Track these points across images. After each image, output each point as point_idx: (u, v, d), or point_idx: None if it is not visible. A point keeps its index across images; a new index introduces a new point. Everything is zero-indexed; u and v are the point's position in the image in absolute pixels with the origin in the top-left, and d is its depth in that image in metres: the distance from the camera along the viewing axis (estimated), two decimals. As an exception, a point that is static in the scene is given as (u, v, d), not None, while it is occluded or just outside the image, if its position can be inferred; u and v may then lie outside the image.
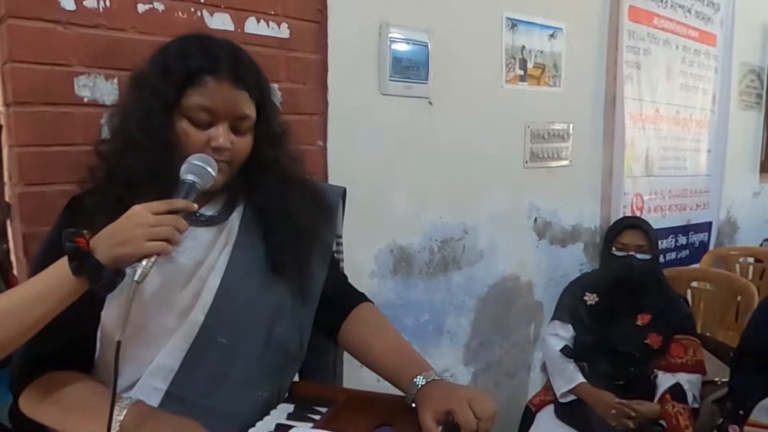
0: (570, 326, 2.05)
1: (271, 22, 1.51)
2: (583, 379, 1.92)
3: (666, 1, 2.75)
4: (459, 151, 2.00)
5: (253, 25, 1.49)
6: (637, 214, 2.79)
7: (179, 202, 0.75)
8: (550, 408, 1.97)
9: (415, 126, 1.87)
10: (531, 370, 2.43)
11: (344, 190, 1.13)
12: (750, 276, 3.00)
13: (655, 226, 2.89)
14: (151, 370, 0.83)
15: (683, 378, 1.88)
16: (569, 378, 1.94)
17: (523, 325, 2.38)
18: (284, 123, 0.98)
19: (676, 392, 1.84)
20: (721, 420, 1.81)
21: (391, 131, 1.81)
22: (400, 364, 0.94)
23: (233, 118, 0.85)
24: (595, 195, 2.59)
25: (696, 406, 1.88)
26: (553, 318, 2.12)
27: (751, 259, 3.11)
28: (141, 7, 1.29)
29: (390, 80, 1.76)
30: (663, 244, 3.02)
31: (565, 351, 2.00)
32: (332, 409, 0.92)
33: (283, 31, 1.53)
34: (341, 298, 1.04)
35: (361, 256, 1.78)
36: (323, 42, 1.61)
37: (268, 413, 0.89)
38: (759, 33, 3.57)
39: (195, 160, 0.80)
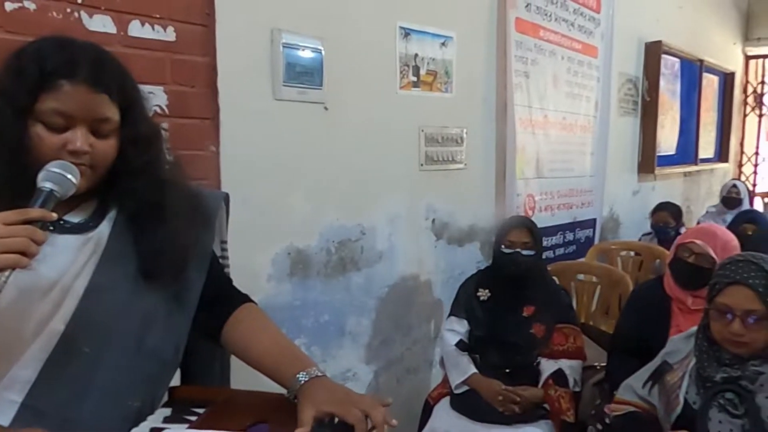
0: (465, 321, 2.16)
1: (156, 25, 1.49)
2: (475, 370, 2.03)
3: (550, 15, 2.95)
4: (355, 154, 2.06)
5: (137, 28, 1.46)
6: (530, 213, 2.97)
7: (34, 212, 0.73)
8: (447, 400, 2.06)
9: (311, 130, 1.90)
10: (432, 365, 2.52)
11: (226, 195, 1.14)
12: (630, 268, 3.28)
13: (545, 224, 3.13)
14: (6, 382, 0.80)
15: (565, 364, 2.03)
16: (463, 370, 2.04)
17: (424, 322, 2.47)
18: (155, 126, 0.98)
19: (559, 377, 1.99)
20: (599, 401, 1.97)
21: (286, 136, 1.83)
22: (283, 361, 0.96)
23: (92, 121, 0.83)
24: (489, 196, 2.73)
25: (577, 389, 2.03)
26: (450, 314, 2.22)
27: (631, 253, 3.39)
28: (9, 5, 1.23)
29: (284, 86, 1.78)
30: (552, 240, 3.24)
31: (460, 345, 2.10)
32: (210, 409, 0.93)
33: (169, 34, 1.51)
34: (223, 301, 1.05)
35: (257, 260, 1.79)
36: (212, 45, 1.60)
37: (141, 422, 0.88)
38: (635, 46, 3.92)
39: (53, 167, 0.78)
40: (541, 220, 3.09)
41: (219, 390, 1.08)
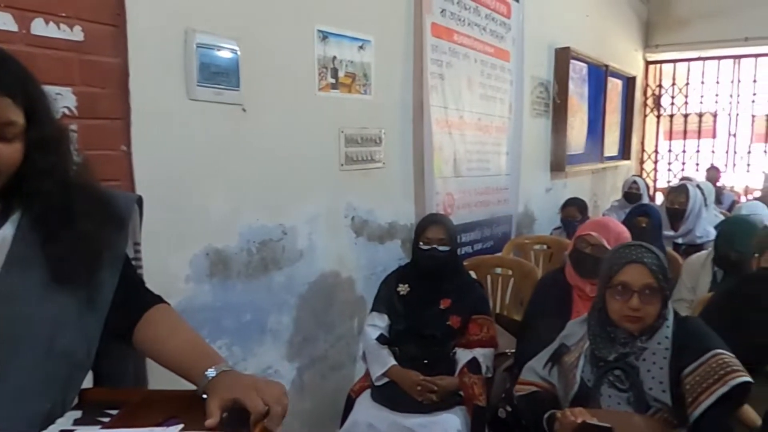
0: (385, 316, 2.23)
1: (62, 24, 1.46)
2: (394, 363, 2.11)
3: (464, 20, 3.09)
4: (275, 155, 2.08)
5: (41, 27, 1.42)
6: (448, 211, 3.09)
7: None
8: (368, 392, 2.13)
9: (229, 131, 1.91)
10: (356, 361, 2.57)
11: (139, 198, 1.14)
12: (541, 260, 3.48)
13: (463, 221, 3.26)
14: None
15: (479, 352, 2.15)
16: (383, 363, 2.12)
17: (347, 319, 2.52)
18: (62, 127, 0.97)
19: (473, 365, 2.10)
20: (509, 385, 2.10)
21: (202, 136, 1.83)
22: (193, 359, 0.98)
23: None
24: (408, 195, 2.82)
25: (489, 375, 2.16)
26: (371, 310, 2.29)
27: (544, 246, 3.60)
28: None
29: (198, 86, 1.78)
30: (471, 236, 3.38)
31: (380, 339, 2.18)
32: (122, 410, 0.94)
33: (77, 34, 1.48)
34: (134, 302, 1.05)
35: (174, 262, 1.78)
36: (122, 46, 1.58)
37: (50, 425, 0.88)
38: (545, 51, 4.15)
39: None
40: (460, 217, 3.22)
41: (132, 390, 1.08)
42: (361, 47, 2.42)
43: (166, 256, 1.73)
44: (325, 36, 2.24)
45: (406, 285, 2.26)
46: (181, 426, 0.89)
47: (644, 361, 1.49)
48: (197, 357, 0.99)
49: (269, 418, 0.88)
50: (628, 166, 6.18)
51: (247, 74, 1.92)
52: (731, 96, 6.25)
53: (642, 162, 6.80)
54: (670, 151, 6.75)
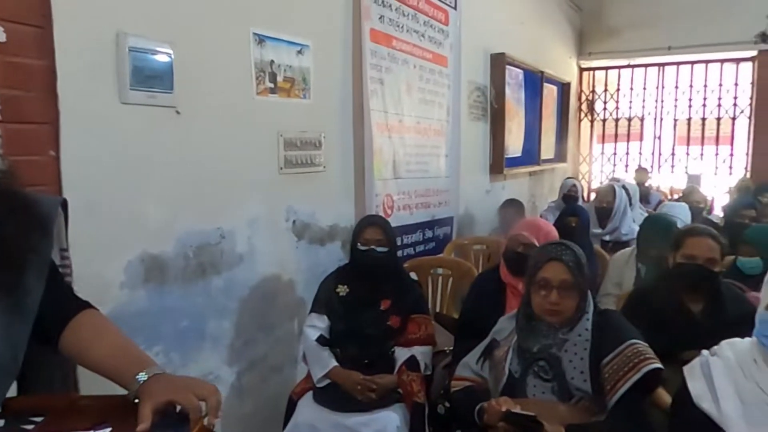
0: (325, 317, 2.26)
1: (-18, 25, 1.42)
2: (335, 364, 2.14)
3: (402, 27, 3.16)
4: (212, 159, 2.07)
5: (-41, 27, 1.38)
6: (389, 212, 3.15)
7: None
8: (310, 394, 2.15)
9: (163, 135, 1.89)
10: (298, 363, 2.59)
11: (64, 201, 1.13)
12: (481, 260, 3.60)
13: (404, 223, 3.33)
14: None
15: (417, 350, 2.20)
16: (324, 364, 2.14)
17: (287, 321, 2.53)
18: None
19: (411, 363, 2.16)
20: (447, 382, 2.17)
21: (135, 140, 1.80)
22: (123, 364, 0.98)
23: None
24: (349, 197, 2.86)
25: (428, 372, 2.22)
26: (311, 311, 2.31)
27: (483, 246, 3.71)
28: None
29: (131, 90, 1.76)
30: (412, 237, 3.45)
31: (320, 340, 2.20)
32: (49, 416, 0.93)
33: (-1, 35, 1.44)
34: (62, 308, 1.04)
35: (108, 268, 1.75)
36: (49, 48, 1.54)
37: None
38: (482, 57, 4.28)
39: None
40: (400, 219, 3.29)
41: (59, 397, 1.07)
42: (299, 52, 2.44)
43: (100, 263, 1.70)
44: (261, 40, 2.24)
45: (345, 286, 2.29)
46: (109, 430, 0.89)
47: (566, 352, 1.59)
48: (127, 361, 0.99)
49: (207, 409, 0.90)
50: (565, 168, 6.43)
51: (182, 78, 1.91)
52: (656, 101, 6.61)
53: (578, 164, 7.09)
54: (602, 153, 7.08)
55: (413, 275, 2.84)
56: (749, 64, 6.03)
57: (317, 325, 2.24)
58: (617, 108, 6.84)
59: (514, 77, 4.73)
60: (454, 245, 3.61)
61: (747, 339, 1.39)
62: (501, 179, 4.68)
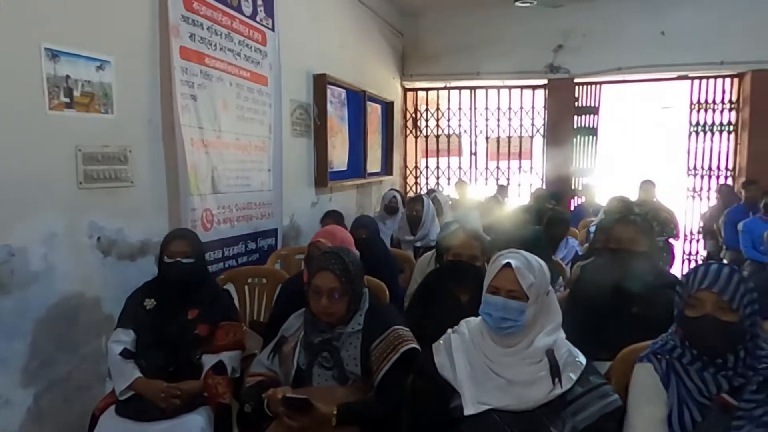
0: (131, 331, 2.27)
1: None
2: (139, 375, 2.17)
3: (216, 45, 3.25)
4: (-2, 174, 2.01)
5: None
6: (208, 226, 3.22)
7: None
8: (113, 408, 2.15)
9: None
10: (106, 380, 2.55)
11: None
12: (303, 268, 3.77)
13: (226, 236, 3.41)
14: None
15: (225, 355, 2.31)
16: (127, 376, 2.16)
17: (94, 338, 2.48)
18: None
19: (218, 368, 2.25)
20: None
21: None
22: None
23: None
24: (162, 212, 2.88)
25: (236, 375, 2.33)
26: (116, 326, 2.31)
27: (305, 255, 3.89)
28: None
29: None
30: (234, 250, 3.54)
31: (124, 353, 2.21)
32: None
33: None
34: None
35: None
36: None
37: None
38: (303, 77, 4.50)
39: None
40: (221, 232, 3.37)
41: None
42: (99, 67, 2.44)
43: None
44: (54, 55, 2.22)
45: (153, 299, 2.33)
46: None
47: (343, 344, 1.82)
48: None
49: None
50: (392, 180, 6.90)
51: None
52: (470, 121, 7.39)
53: (405, 177, 7.64)
54: (427, 167, 7.71)
55: (230, 285, 2.95)
56: (542, 90, 7.01)
57: (122, 339, 2.25)
58: (438, 126, 7.51)
59: (336, 96, 5.03)
60: (276, 255, 3.76)
61: (479, 317, 1.72)
62: (327, 192, 4.93)
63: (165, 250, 2.35)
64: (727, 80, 6.57)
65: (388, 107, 6.51)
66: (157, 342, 2.25)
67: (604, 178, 7.05)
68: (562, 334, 1.69)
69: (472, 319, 1.76)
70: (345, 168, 5.31)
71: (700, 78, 6.62)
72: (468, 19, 6.81)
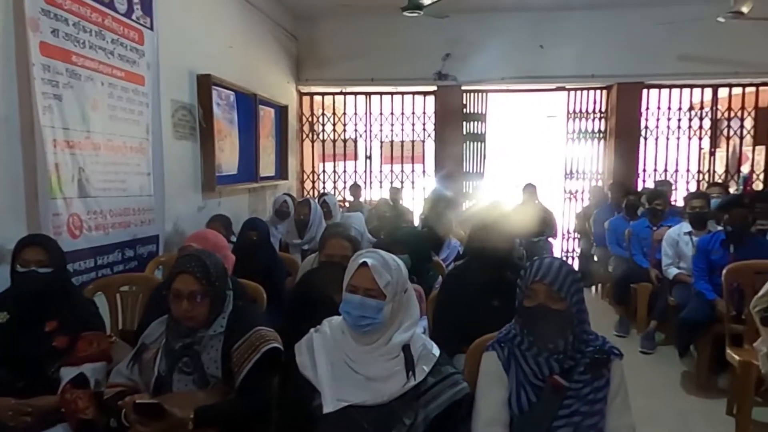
0: (-22, 347, 2.10)
1: None
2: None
3: (84, 43, 3.09)
4: None
5: None
6: (76, 233, 3.04)
7: None
8: (-48, 432, 1.98)
9: None
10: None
11: None
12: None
13: (98, 244, 3.24)
14: None
15: (87, 368, 2.18)
16: (-29, 396, 2.00)
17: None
18: None
19: (79, 381, 2.14)
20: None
21: None
22: None
23: None
24: (19, 217, 2.69)
25: (100, 389, 2.22)
26: (-39, 343, 2.13)
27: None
28: None
29: None
30: (109, 258, 3.37)
31: (-31, 371, 2.05)
32: None
33: None
34: None
35: None
36: None
37: None
38: (186, 77, 4.37)
39: None
40: (93, 239, 3.20)
41: None
42: (-61, 61, 2.24)
43: None
44: None
45: (5, 312, 2.17)
46: None
47: (204, 347, 1.80)
48: None
49: None
50: (288, 185, 6.85)
51: None
52: (366, 125, 7.51)
53: (302, 181, 7.62)
54: (324, 171, 7.74)
55: (101, 295, 2.81)
56: (432, 96, 7.26)
57: (-34, 356, 2.07)
58: (334, 130, 7.56)
59: (224, 98, 4.93)
60: (156, 262, 3.62)
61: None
62: (216, 196, 4.81)
63: (17, 258, 2.20)
64: (598, 92, 7.17)
65: (282, 111, 6.46)
66: (8, 357, 2.10)
67: (493, 182, 7.44)
68: (419, 329, 1.78)
69: (335, 318, 1.80)
70: (235, 172, 5.21)
71: (575, 89, 7.17)
72: (361, 25, 6.93)
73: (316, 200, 4.35)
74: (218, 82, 4.70)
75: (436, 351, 1.73)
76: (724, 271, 3.26)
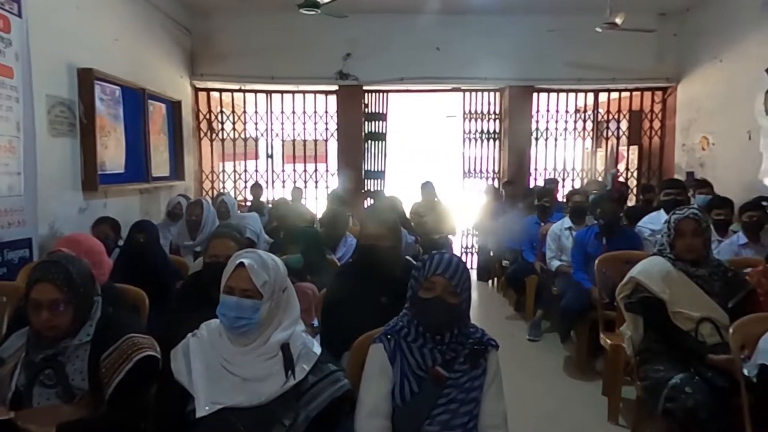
0: None
1: None
2: None
3: (-64, 28, 2.79)
4: None
5: None
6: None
7: None
8: None
9: None
10: None
11: None
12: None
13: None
14: None
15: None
16: None
17: None
18: None
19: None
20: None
21: None
22: None
23: None
24: None
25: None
26: None
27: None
28: None
29: None
30: (-31, 265, 3.07)
31: None
32: None
33: None
34: None
35: None
36: None
37: None
38: (65, 70, 4.07)
39: None
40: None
41: None
42: None
43: None
44: None
45: None
46: None
47: (68, 358, 1.69)
48: None
49: None
50: (185, 185, 6.56)
51: None
52: (266, 124, 7.37)
53: (201, 181, 7.34)
54: (224, 171, 7.51)
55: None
56: (334, 96, 7.26)
57: None
58: (234, 129, 7.35)
59: (108, 93, 4.65)
60: (28, 269, 3.33)
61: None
62: (100, 196, 4.52)
63: None
64: (492, 94, 7.49)
65: (174, 107, 6.19)
66: None
67: (393, 180, 7.56)
68: (299, 328, 1.77)
69: (213, 320, 1.75)
70: (122, 171, 4.93)
71: (471, 91, 7.45)
72: (259, 22, 6.79)
73: (214, 201, 4.20)
74: (102, 76, 4.42)
75: (317, 349, 1.74)
76: (597, 262, 3.52)
